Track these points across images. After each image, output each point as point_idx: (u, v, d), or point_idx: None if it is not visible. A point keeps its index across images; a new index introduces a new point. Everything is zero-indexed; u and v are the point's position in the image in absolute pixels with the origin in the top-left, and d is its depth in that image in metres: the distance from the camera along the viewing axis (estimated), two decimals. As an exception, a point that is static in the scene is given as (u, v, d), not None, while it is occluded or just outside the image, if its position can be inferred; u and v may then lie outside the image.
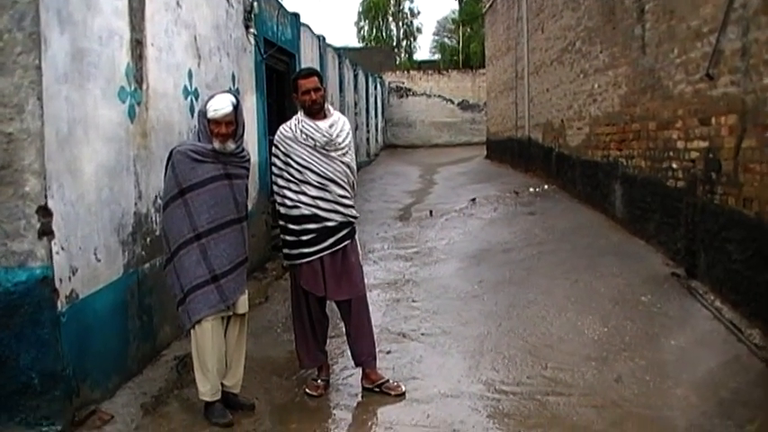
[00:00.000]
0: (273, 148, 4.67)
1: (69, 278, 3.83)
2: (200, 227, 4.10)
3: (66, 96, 3.83)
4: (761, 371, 4.47)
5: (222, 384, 4.29)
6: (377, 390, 4.64)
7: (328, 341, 4.95)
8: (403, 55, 55.58)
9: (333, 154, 4.55)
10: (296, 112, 4.71)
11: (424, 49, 65.91)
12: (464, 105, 33.59)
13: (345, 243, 4.58)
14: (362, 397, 4.64)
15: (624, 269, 6.68)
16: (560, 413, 4.23)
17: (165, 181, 4.23)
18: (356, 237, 4.71)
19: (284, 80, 9.65)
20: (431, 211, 11.74)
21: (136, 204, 4.70)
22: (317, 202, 4.50)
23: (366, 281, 4.94)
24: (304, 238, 4.51)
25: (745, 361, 4.62)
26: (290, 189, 4.54)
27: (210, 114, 4.10)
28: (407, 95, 33.76)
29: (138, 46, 4.75)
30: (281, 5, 9.51)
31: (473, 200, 12.17)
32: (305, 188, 4.50)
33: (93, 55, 4.13)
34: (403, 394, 4.58)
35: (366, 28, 56.40)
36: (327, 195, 4.51)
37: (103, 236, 4.25)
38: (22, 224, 3.61)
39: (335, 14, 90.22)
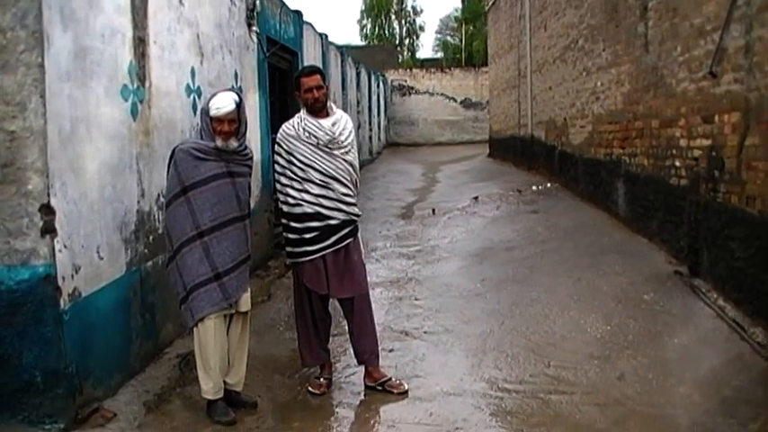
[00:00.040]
0: (276, 146, 4.66)
1: (72, 276, 3.84)
2: (203, 225, 4.10)
3: (69, 94, 3.83)
4: (763, 369, 4.46)
5: (225, 382, 4.29)
6: (379, 388, 4.64)
7: (331, 339, 4.95)
8: (405, 53, 55.56)
9: (335, 152, 4.54)
10: (298, 111, 4.71)
11: (426, 48, 66.13)
12: (467, 103, 33.56)
13: (348, 241, 4.58)
14: (365, 395, 4.64)
15: (627, 267, 6.67)
16: (563, 411, 4.23)
17: (167, 179, 4.24)
18: (359, 235, 4.71)
19: (287, 78, 9.64)
20: (433, 210, 11.73)
21: (138, 202, 4.70)
22: (319, 200, 4.49)
23: (369, 279, 4.93)
24: (307, 236, 4.51)
25: (748, 359, 4.61)
26: (292, 187, 4.54)
27: (213, 112, 4.10)
28: (410, 94, 33.75)
29: (140, 44, 4.75)
30: (284, 3, 9.50)
31: (476, 198, 12.16)
32: (308, 186, 4.50)
33: (95, 53, 4.14)
34: (405, 392, 4.58)
35: (369, 26, 56.41)
36: (330, 193, 4.51)
37: (106, 234, 4.25)
38: (24, 222, 3.61)
39: (338, 12, 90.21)
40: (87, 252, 4.02)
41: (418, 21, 58.60)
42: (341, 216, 4.54)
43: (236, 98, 4.18)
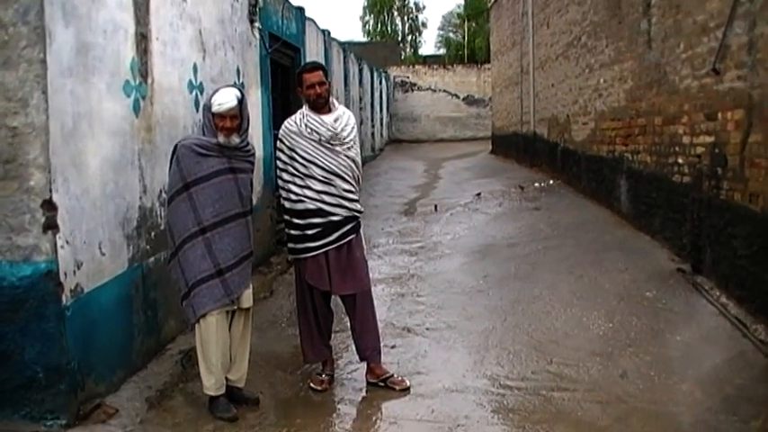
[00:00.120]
0: (278, 142, 4.66)
1: (74, 272, 3.84)
2: (205, 221, 4.10)
3: (71, 90, 3.82)
4: (766, 367, 4.46)
5: (227, 378, 4.29)
6: (381, 384, 4.64)
7: (333, 336, 4.95)
8: (408, 49, 55.57)
9: (338, 148, 4.54)
10: (301, 107, 4.70)
11: (429, 44, 65.99)
12: (469, 100, 33.52)
13: (350, 237, 4.57)
14: (367, 392, 4.64)
15: (629, 265, 6.66)
16: (565, 408, 4.22)
17: (169, 175, 4.23)
18: (361, 231, 4.71)
19: (289, 74, 9.63)
20: (436, 206, 11.72)
21: (140, 198, 4.70)
22: (321, 197, 4.49)
23: (371, 275, 4.93)
24: (309, 232, 4.51)
25: (751, 357, 4.61)
26: (294, 183, 4.53)
27: (215, 108, 4.09)
28: (412, 90, 33.71)
29: (142, 40, 4.75)
30: (286, 0, 9.49)
31: (478, 195, 12.15)
32: (310, 182, 4.49)
33: (97, 49, 4.13)
34: (407, 389, 4.58)
35: (371, 22, 56.42)
36: (332, 190, 4.50)
37: (108, 230, 4.25)
38: (26, 218, 3.61)
39: (340, 9, 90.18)
40: (89, 248, 4.02)
41: (421, 17, 58.74)
42: (343, 212, 4.54)
43: (239, 94, 4.18)
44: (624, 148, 8.55)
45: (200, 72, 5.83)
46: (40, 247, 3.63)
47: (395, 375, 4.68)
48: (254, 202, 5.15)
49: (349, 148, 4.59)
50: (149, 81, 4.85)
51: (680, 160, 6.61)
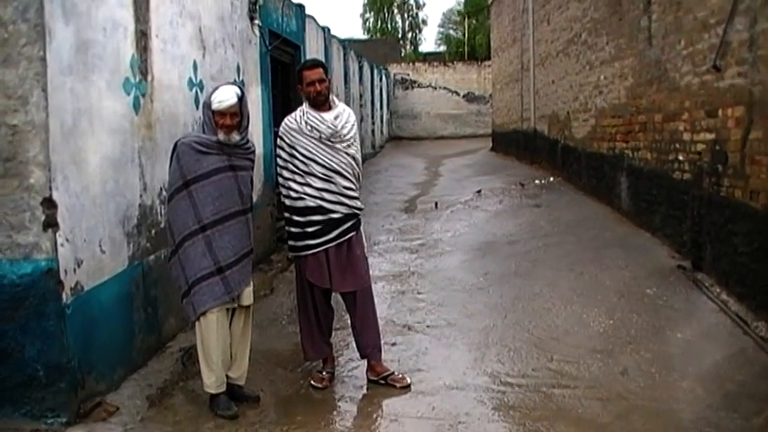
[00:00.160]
0: (278, 139, 4.65)
1: (74, 270, 3.84)
2: (205, 218, 4.10)
3: (71, 88, 3.82)
4: (767, 363, 4.45)
5: (227, 376, 4.29)
6: (382, 382, 4.64)
7: (333, 333, 4.95)
8: (408, 47, 55.54)
9: (338, 146, 4.53)
10: (301, 104, 4.70)
11: (429, 41, 66.14)
12: (469, 97, 33.47)
13: (350, 235, 4.57)
14: (368, 389, 4.64)
15: (630, 262, 6.66)
16: (566, 406, 4.22)
17: (169, 173, 4.23)
18: (361, 229, 4.71)
19: (289, 72, 9.63)
20: (436, 203, 11.72)
21: (141, 196, 4.70)
22: (321, 194, 4.48)
23: (371, 273, 4.93)
24: (309, 229, 4.50)
25: (751, 354, 4.61)
26: (294, 181, 4.53)
27: (215, 106, 4.09)
28: (413, 87, 33.66)
29: (142, 37, 4.74)
30: (286, -3, 9.48)
31: (478, 192, 12.15)
32: (310, 180, 4.49)
33: (97, 46, 4.13)
34: (408, 386, 4.58)
35: (371, 20, 56.39)
36: (332, 187, 4.50)
37: (108, 228, 4.25)
38: (26, 216, 3.62)
39: (340, 6, 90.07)
40: (89, 246, 4.02)
41: (421, 14, 58.69)
42: (343, 210, 4.53)
43: (239, 92, 4.17)
44: (624, 145, 8.54)
45: (200, 69, 5.83)
46: (40, 245, 3.63)
47: (395, 373, 4.68)
48: (255, 199, 5.14)
49: (349, 146, 4.59)
50: (149, 78, 4.84)
51: (680, 157, 6.60)
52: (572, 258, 7.08)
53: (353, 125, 4.67)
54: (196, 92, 5.70)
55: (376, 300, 4.88)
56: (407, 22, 57.76)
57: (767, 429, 3.82)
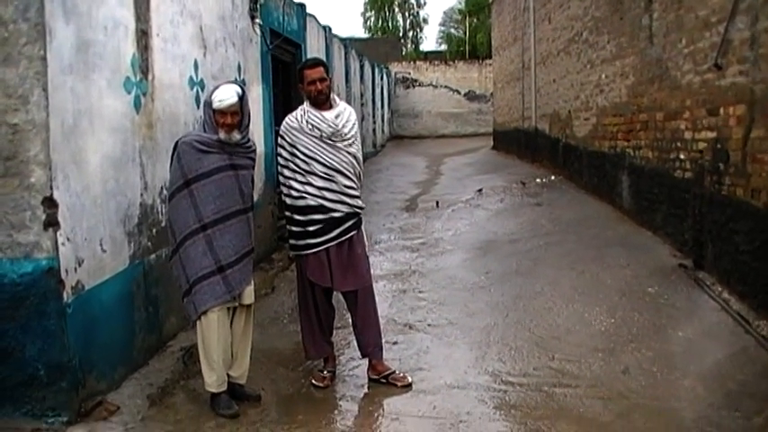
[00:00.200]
0: (279, 138, 4.65)
1: (75, 269, 3.84)
2: (206, 217, 4.10)
3: (72, 87, 3.82)
4: (768, 362, 4.45)
5: (228, 375, 4.29)
6: (383, 381, 4.63)
7: (334, 332, 4.95)
8: (409, 45, 55.56)
9: (339, 144, 4.53)
10: (302, 103, 4.69)
11: (430, 40, 66.13)
12: (470, 96, 33.45)
13: (352, 234, 4.57)
14: (369, 388, 4.64)
15: (631, 260, 6.65)
16: (567, 404, 4.22)
17: (170, 172, 4.23)
18: (362, 228, 4.70)
19: (290, 71, 9.63)
20: (437, 202, 11.72)
21: (141, 195, 4.70)
22: (323, 193, 4.48)
23: (372, 272, 4.93)
24: (310, 228, 4.50)
25: (753, 353, 4.60)
26: (295, 180, 4.52)
27: (216, 105, 4.08)
28: (414, 86, 33.65)
29: (143, 36, 4.74)
30: (287, -4, 9.48)
31: (479, 191, 12.14)
32: (311, 179, 4.49)
33: (98, 45, 4.12)
34: (409, 385, 4.58)
35: (372, 18, 56.40)
36: (333, 186, 4.50)
37: (109, 227, 4.25)
38: (27, 215, 3.62)
39: (342, 5, 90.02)
40: (90, 245, 4.02)
41: (422, 13, 58.70)
42: (344, 209, 4.53)
43: (239, 90, 4.17)
44: (626, 143, 8.54)
45: (201, 68, 5.83)
46: (40, 245, 3.63)
47: (396, 372, 4.68)
48: (256, 198, 5.14)
49: (350, 145, 4.59)
50: (150, 78, 4.84)
51: (682, 156, 6.60)
52: (573, 257, 7.07)
53: (354, 124, 4.67)
54: (197, 91, 5.70)
55: (377, 298, 4.87)
56: (408, 21, 57.81)
57: (768, 428, 3.82)
